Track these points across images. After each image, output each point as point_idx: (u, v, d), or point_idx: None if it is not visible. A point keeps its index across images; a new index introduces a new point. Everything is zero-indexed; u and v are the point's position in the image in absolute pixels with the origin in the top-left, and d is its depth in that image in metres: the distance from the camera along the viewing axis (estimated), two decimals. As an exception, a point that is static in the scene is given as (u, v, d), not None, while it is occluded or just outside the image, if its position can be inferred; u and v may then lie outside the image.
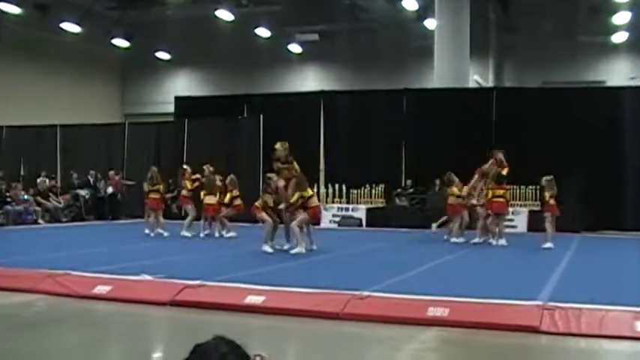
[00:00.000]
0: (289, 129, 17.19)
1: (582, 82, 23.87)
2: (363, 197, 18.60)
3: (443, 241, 13.78)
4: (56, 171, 21.91)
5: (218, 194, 14.54)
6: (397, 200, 18.78)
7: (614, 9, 24.81)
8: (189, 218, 15.07)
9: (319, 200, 17.01)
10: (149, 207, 15.21)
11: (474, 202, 13.60)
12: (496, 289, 7.43)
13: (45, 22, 25.84)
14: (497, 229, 13.25)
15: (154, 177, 15.07)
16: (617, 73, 26.08)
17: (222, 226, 14.68)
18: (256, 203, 11.89)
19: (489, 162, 13.06)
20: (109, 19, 28.27)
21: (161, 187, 15.41)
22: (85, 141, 22.23)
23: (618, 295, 7.08)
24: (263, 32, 29.19)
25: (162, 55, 32.04)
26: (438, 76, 20.63)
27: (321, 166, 19.42)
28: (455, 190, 13.78)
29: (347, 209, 18.43)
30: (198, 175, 15.34)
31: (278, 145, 11.85)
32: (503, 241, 13.00)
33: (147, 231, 14.83)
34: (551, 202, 12.63)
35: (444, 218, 14.72)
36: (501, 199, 13.03)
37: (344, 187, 18.62)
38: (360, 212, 18.29)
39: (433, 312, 6.33)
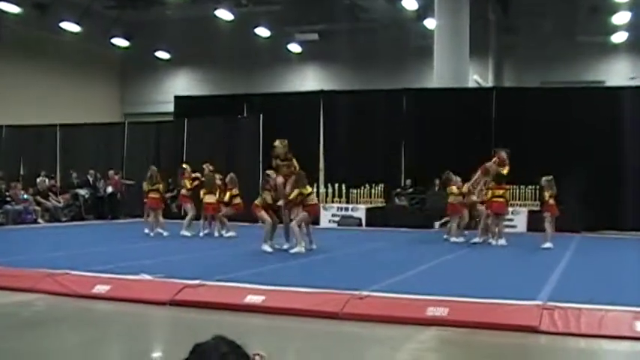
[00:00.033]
0: (289, 129, 17.15)
1: (582, 82, 23.88)
2: (363, 197, 18.60)
3: (442, 241, 13.79)
4: (56, 170, 21.91)
5: (218, 193, 14.54)
6: (397, 200, 18.78)
7: (614, 9, 24.81)
8: (188, 217, 15.06)
9: (319, 200, 17.05)
10: (148, 206, 15.21)
11: (474, 198, 13.59)
12: (495, 288, 7.43)
13: (44, 21, 25.83)
14: (496, 229, 13.25)
15: (153, 176, 15.05)
16: (616, 73, 26.09)
17: (221, 225, 14.68)
18: (256, 202, 11.88)
19: (493, 160, 13.06)
20: (109, 19, 28.26)
21: (161, 186, 15.39)
22: (84, 140, 22.24)
23: (618, 295, 7.08)
24: (263, 32, 29.20)
25: (162, 55, 32.03)
26: (438, 75, 20.63)
27: (321, 165, 19.42)
28: (454, 189, 13.78)
29: (346, 209, 18.43)
30: (198, 174, 15.34)
31: (277, 143, 11.84)
32: (502, 241, 13.00)
33: (146, 230, 14.82)
34: (551, 202, 12.64)
35: (447, 218, 14.74)
36: (501, 199, 13.03)
37: (343, 187, 18.61)
38: (360, 212, 18.28)
39: (432, 312, 6.33)
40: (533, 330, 5.97)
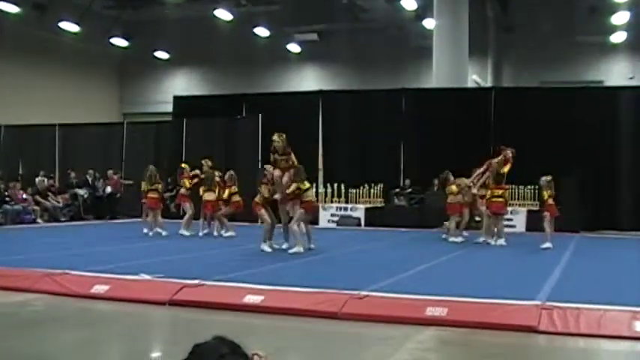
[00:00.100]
0: (288, 128, 17.05)
1: (581, 82, 23.89)
2: (362, 197, 18.60)
3: (441, 241, 13.80)
4: (55, 170, 21.89)
5: (217, 191, 14.52)
6: (396, 200, 18.78)
7: (613, 9, 24.80)
8: (186, 217, 15.03)
9: (318, 200, 17.06)
10: (147, 206, 15.20)
11: (475, 191, 13.56)
12: (494, 288, 7.44)
13: (43, 21, 25.80)
14: (495, 229, 13.26)
15: (152, 176, 15.03)
16: (615, 73, 26.09)
17: (221, 225, 14.67)
18: (256, 199, 11.87)
19: (499, 157, 13.02)
20: (108, 19, 28.25)
21: (160, 186, 15.38)
22: (83, 140, 22.23)
23: (617, 294, 7.09)
24: (262, 32, 29.19)
25: (161, 55, 32.01)
26: (437, 75, 20.62)
27: (320, 165, 19.42)
28: (453, 188, 13.77)
29: (346, 209, 18.42)
30: (197, 171, 15.29)
31: (275, 137, 11.77)
32: (502, 241, 13.01)
33: (145, 230, 14.82)
34: (550, 202, 12.64)
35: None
36: (500, 199, 13.03)
37: (343, 187, 18.61)
38: (359, 212, 18.28)
39: (432, 311, 6.33)
40: (532, 330, 5.97)
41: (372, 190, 18.55)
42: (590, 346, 5.76)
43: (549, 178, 12.66)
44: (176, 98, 23.66)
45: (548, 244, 12.25)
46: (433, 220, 16.54)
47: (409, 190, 18.78)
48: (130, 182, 20.09)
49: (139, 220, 16.95)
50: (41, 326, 6.57)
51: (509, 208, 14.97)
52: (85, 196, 20.43)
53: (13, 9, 25.14)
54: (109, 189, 20.35)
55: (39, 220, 18.71)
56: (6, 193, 18.57)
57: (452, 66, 20.38)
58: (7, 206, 18.11)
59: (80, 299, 7.50)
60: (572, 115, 17.43)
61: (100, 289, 7.61)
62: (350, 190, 18.60)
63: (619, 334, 5.83)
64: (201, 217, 15.25)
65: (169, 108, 23.83)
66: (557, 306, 6.26)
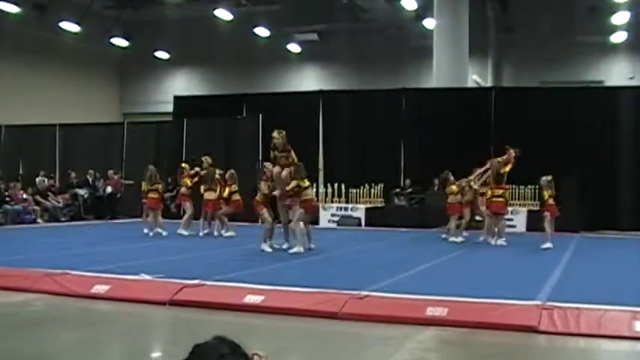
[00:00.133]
0: (288, 128, 17.07)
1: (581, 82, 23.89)
2: (362, 197, 18.60)
3: (441, 241, 13.80)
4: (55, 170, 21.89)
5: (218, 190, 14.51)
6: (396, 200, 18.78)
7: (613, 9, 24.80)
8: (186, 216, 15.03)
9: (318, 199, 17.05)
10: (148, 206, 15.19)
11: (476, 187, 13.55)
12: (495, 288, 7.44)
13: (44, 21, 25.81)
14: (496, 229, 13.26)
15: (152, 176, 15.02)
16: (615, 73, 26.08)
17: (221, 225, 14.67)
18: (257, 197, 11.87)
19: (504, 156, 13.02)
20: (108, 19, 28.25)
21: (160, 186, 15.37)
22: (83, 140, 22.23)
23: (617, 295, 7.09)
24: (262, 32, 29.18)
25: (161, 55, 32.01)
26: (437, 75, 20.62)
27: (320, 165, 19.42)
28: (454, 188, 13.78)
29: (346, 209, 18.42)
30: (197, 169, 15.27)
31: (275, 133, 11.76)
32: (502, 241, 13.01)
33: (145, 230, 14.81)
34: (550, 202, 12.64)
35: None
36: (500, 199, 13.03)
37: (343, 187, 18.61)
38: (359, 212, 18.28)
39: (432, 311, 6.33)
40: (533, 330, 5.97)
41: (372, 190, 18.55)
42: (590, 346, 5.76)
43: (549, 178, 12.66)
44: (176, 98, 23.67)
45: (548, 244, 12.24)
46: (433, 220, 16.53)
47: (409, 190, 18.79)
48: (131, 182, 20.09)
49: (140, 220, 16.95)
50: (41, 326, 6.57)
51: (510, 208, 14.97)
52: (86, 196, 20.43)
53: (13, 9, 25.14)
54: (109, 189, 20.35)
55: (39, 220, 18.71)
56: (6, 193, 18.57)
57: (452, 66, 20.38)
58: (8, 206, 18.12)
59: (80, 299, 7.50)
60: (572, 115, 17.43)
61: (100, 289, 7.61)
62: (350, 190, 18.60)
63: (619, 334, 5.83)
64: (201, 216, 15.25)
65: (169, 108, 23.84)
66: (557, 306, 6.26)
